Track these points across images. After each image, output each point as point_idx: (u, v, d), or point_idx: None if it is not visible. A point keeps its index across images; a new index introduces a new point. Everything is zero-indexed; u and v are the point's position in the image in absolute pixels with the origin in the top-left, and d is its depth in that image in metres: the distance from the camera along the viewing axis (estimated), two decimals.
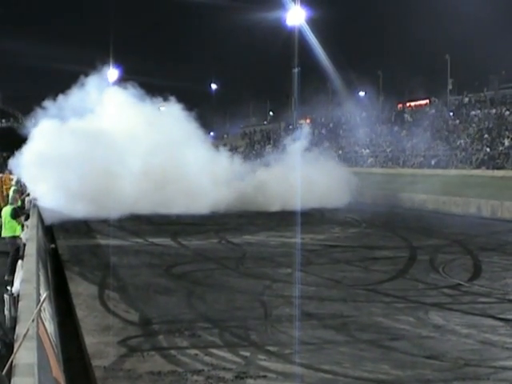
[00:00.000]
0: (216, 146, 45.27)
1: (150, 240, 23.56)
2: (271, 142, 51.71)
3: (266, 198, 36.22)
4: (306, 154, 41.34)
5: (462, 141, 55.73)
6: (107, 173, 32.90)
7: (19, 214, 16.40)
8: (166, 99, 40.61)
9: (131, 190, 33.07)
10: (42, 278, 11.44)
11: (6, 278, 14.19)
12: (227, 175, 38.04)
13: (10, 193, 17.24)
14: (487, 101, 62.21)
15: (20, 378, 5.44)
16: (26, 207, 26.02)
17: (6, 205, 19.58)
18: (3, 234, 15.92)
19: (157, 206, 32.51)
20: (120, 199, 31.84)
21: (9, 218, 15.80)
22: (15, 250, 15.32)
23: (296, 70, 59.10)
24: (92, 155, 32.82)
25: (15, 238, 15.78)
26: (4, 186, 32.02)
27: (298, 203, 32.97)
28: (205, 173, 36.24)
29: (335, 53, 60.86)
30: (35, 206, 26.04)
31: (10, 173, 35.27)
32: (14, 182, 32.21)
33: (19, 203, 19.40)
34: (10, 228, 15.77)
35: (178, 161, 36.30)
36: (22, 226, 16.68)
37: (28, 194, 30.20)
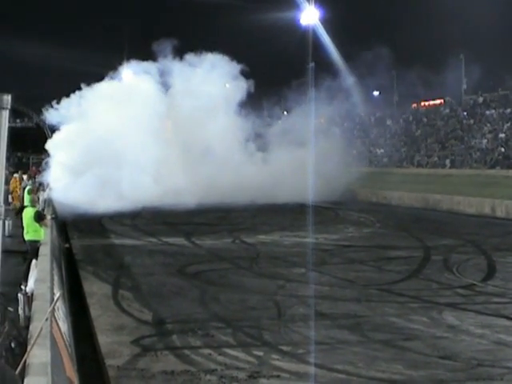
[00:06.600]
0: None
1: (164, 240, 23.59)
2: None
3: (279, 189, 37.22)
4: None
5: (476, 140, 55.49)
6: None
7: (43, 216, 15.48)
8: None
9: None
10: (55, 278, 11.50)
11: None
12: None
13: (25, 193, 16.86)
14: (502, 100, 61.90)
15: (33, 377, 5.46)
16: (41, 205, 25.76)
17: (22, 204, 19.41)
18: (26, 238, 14.77)
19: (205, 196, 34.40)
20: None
21: (32, 220, 14.70)
22: (34, 255, 13.93)
23: (311, 66, 59.17)
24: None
25: (37, 242, 14.55)
26: (19, 186, 32.15)
27: (310, 197, 33.48)
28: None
29: (349, 52, 60.71)
30: (50, 203, 26.09)
31: (24, 172, 35.34)
32: (27, 181, 32.22)
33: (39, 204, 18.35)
34: (34, 232, 14.64)
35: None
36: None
37: (43, 190, 30.29)
